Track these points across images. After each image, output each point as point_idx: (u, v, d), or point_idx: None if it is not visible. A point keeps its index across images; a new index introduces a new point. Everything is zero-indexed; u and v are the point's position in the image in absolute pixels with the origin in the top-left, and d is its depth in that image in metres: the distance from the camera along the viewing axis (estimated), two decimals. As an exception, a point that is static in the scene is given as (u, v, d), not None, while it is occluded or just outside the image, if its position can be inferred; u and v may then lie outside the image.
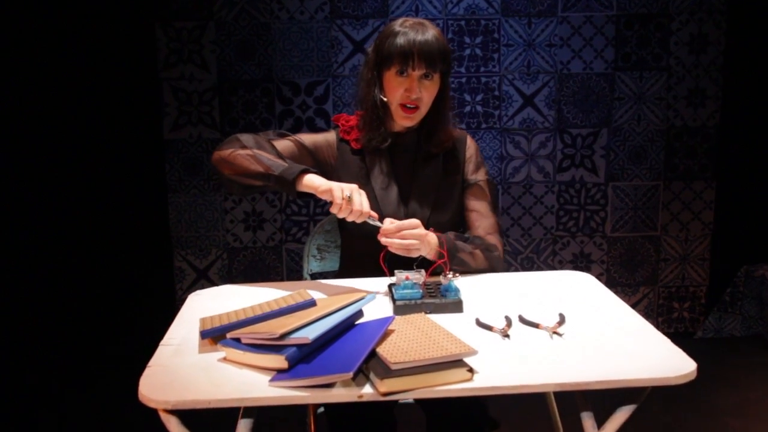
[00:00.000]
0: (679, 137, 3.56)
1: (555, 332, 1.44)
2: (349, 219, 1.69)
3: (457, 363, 1.22)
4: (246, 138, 1.85)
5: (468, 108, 3.50)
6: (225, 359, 1.34)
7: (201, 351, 1.40)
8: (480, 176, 2.02)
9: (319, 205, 3.53)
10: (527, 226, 3.62)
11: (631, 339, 1.42)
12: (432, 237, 1.76)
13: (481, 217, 1.97)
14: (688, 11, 3.44)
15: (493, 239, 1.95)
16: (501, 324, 1.48)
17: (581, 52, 3.47)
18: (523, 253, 3.63)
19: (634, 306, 1.63)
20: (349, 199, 1.67)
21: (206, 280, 3.59)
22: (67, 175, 3.43)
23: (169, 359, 1.36)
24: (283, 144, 1.93)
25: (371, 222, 1.71)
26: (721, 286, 3.71)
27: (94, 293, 3.51)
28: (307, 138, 1.98)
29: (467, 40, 3.44)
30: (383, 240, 1.70)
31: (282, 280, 3.57)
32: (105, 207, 3.49)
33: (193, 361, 1.34)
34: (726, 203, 3.63)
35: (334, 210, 1.69)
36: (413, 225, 1.71)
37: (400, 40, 1.82)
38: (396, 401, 1.80)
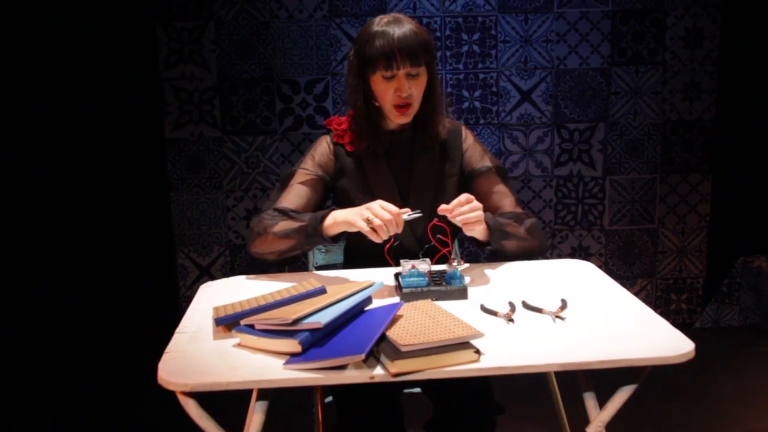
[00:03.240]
0: (676, 131, 3.60)
1: (558, 316, 1.49)
2: (395, 233, 1.68)
3: (464, 345, 1.26)
4: (261, 225, 1.86)
5: (466, 104, 3.54)
6: (239, 345, 1.39)
7: (216, 338, 1.44)
8: (487, 162, 2.02)
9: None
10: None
11: (631, 322, 1.47)
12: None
13: (504, 197, 1.97)
14: (683, 6, 3.48)
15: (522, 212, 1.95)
16: (505, 309, 1.52)
17: (577, 47, 3.51)
18: (522, 246, 3.66)
19: (614, 281, 1.71)
20: (369, 221, 1.65)
21: (209, 277, 3.62)
22: (69, 174, 3.46)
23: (186, 346, 1.40)
24: (296, 191, 1.94)
25: (411, 217, 1.70)
26: (719, 277, 3.75)
27: (97, 292, 3.54)
28: (311, 165, 1.98)
29: (464, 36, 3.48)
30: (453, 218, 1.69)
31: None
32: (108, 206, 3.52)
33: (208, 347, 1.39)
34: (722, 195, 3.66)
35: (372, 238, 1.67)
36: (468, 197, 1.72)
37: (379, 42, 1.80)
38: (402, 389, 1.85)
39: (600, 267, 3.60)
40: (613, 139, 3.59)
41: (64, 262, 3.47)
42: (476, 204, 1.72)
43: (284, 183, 1.97)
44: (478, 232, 1.76)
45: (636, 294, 3.62)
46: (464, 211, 1.69)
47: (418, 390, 1.98)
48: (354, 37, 3.35)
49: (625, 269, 3.71)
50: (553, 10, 3.47)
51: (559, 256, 3.67)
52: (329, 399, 1.99)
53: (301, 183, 1.95)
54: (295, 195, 1.93)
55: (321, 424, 1.98)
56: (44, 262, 3.44)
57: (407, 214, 1.69)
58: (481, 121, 3.56)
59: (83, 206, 3.49)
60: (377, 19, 1.87)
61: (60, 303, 3.47)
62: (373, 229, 1.65)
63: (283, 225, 1.83)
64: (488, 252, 1.83)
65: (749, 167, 3.65)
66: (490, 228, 1.79)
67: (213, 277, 3.60)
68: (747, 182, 3.67)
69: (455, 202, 1.70)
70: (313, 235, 1.77)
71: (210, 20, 3.42)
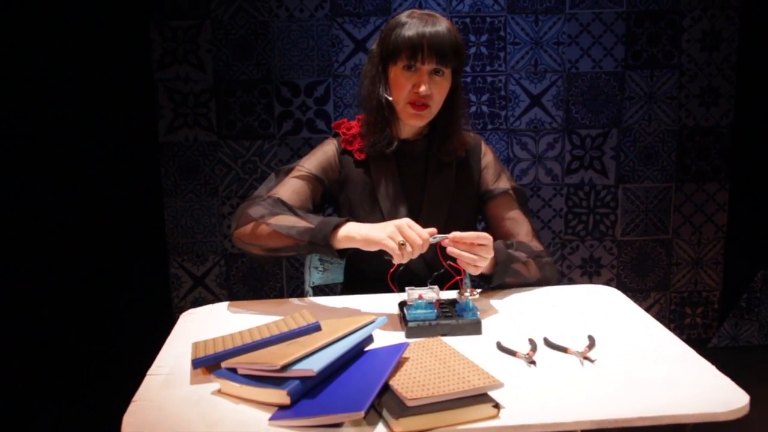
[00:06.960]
0: (692, 137, 3.52)
1: (585, 357, 1.32)
2: (415, 256, 1.50)
3: (481, 397, 1.10)
4: (256, 210, 1.67)
5: (473, 108, 3.45)
6: (220, 392, 1.22)
7: (193, 382, 1.27)
8: (504, 184, 1.90)
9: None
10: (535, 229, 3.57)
11: (671, 365, 1.31)
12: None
13: (517, 224, 1.85)
14: (701, 7, 3.40)
15: (537, 244, 1.82)
16: (525, 348, 1.36)
17: (590, 50, 3.43)
18: (531, 258, 3.57)
19: (645, 311, 1.59)
20: (403, 245, 1.47)
21: (203, 287, 3.53)
22: (59, 180, 3.40)
23: (157, 392, 1.24)
24: (293, 186, 1.77)
25: (436, 240, 1.52)
26: (735, 290, 3.67)
27: (86, 301, 3.48)
28: (311, 164, 1.83)
29: (472, 38, 3.39)
30: (451, 250, 1.52)
31: (281, 287, 3.52)
32: (99, 212, 3.46)
33: (184, 394, 1.22)
34: (740, 205, 3.59)
35: (396, 261, 1.49)
36: (488, 239, 1.54)
37: (408, 32, 1.70)
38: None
39: (612, 279, 3.61)
40: (626, 145, 3.51)
41: (53, 270, 3.43)
42: (482, 248, 1.53)
43: (280, 175, 1.81)
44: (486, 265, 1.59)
45: (649, 308, 3.55)
46: (463, 249, 1.52)
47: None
48: (357, 38, 3.35)
49: (638, 282, 3.61)
50: (564, 11, 3.39)
51: (569, 268, 3.58)
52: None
53: (298, 178, 1.79)
54: (290, 189, 1.76)
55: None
56: (32, 269, 3.40)
57: (433, 237, 1.52)
58: (489, 127, 3.47)
59: (73, 212, 3.43)
60: (408, 11, 1.78)
61: (49, 312, 3.43)
62: (403, 252, 1.48)
63: (285, 220, 1.63)
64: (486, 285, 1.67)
65: (769, 176, 3.57)
66: (502, 264, 1.64)
67: (207, 288, 3.53)
68: (766, 192, 3.59)
69: (479, 236, 1.52)
70: (318, 243, 1.56)
71: (206, 19, 3.34)
